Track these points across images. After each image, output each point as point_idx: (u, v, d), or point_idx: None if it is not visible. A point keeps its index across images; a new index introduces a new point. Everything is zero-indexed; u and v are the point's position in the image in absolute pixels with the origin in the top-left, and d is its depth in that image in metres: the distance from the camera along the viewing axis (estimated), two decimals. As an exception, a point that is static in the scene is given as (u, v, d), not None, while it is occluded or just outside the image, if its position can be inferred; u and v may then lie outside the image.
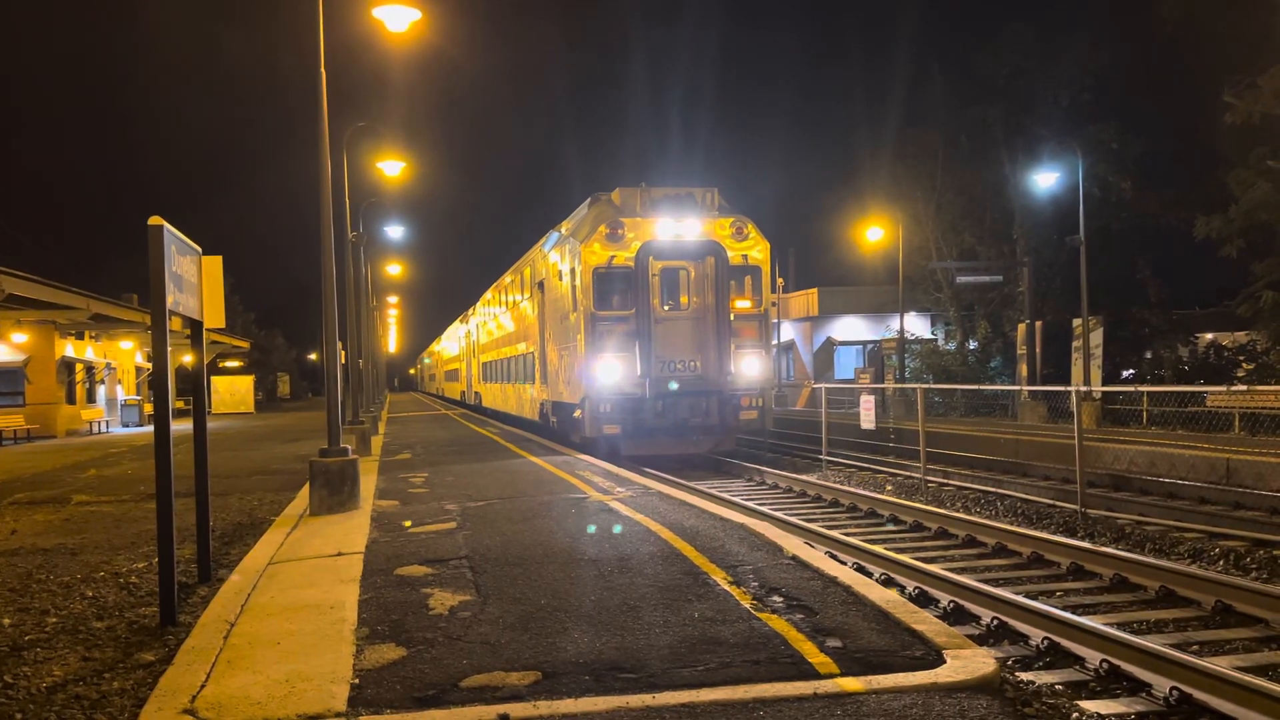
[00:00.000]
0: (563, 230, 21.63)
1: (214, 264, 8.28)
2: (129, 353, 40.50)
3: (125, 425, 38.27)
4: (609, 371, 18.38)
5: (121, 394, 39.87)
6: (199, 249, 8.03)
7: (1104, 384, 26.52)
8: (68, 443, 29.19)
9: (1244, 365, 28.49)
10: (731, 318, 18.89)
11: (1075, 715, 5.82)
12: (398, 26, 13.79)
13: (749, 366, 19.03)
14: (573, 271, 19.30)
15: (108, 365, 37.85)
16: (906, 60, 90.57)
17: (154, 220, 6.75)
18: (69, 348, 33.15)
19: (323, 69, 11.81)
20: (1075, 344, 27.75)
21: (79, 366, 34.50)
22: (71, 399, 33.92)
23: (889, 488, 16.23)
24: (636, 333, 18.40)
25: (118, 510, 13.07)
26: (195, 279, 7.89)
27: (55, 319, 28.63)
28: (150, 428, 35.58)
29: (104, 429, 35.68)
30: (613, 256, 18.59)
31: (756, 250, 19.42)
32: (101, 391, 37.52)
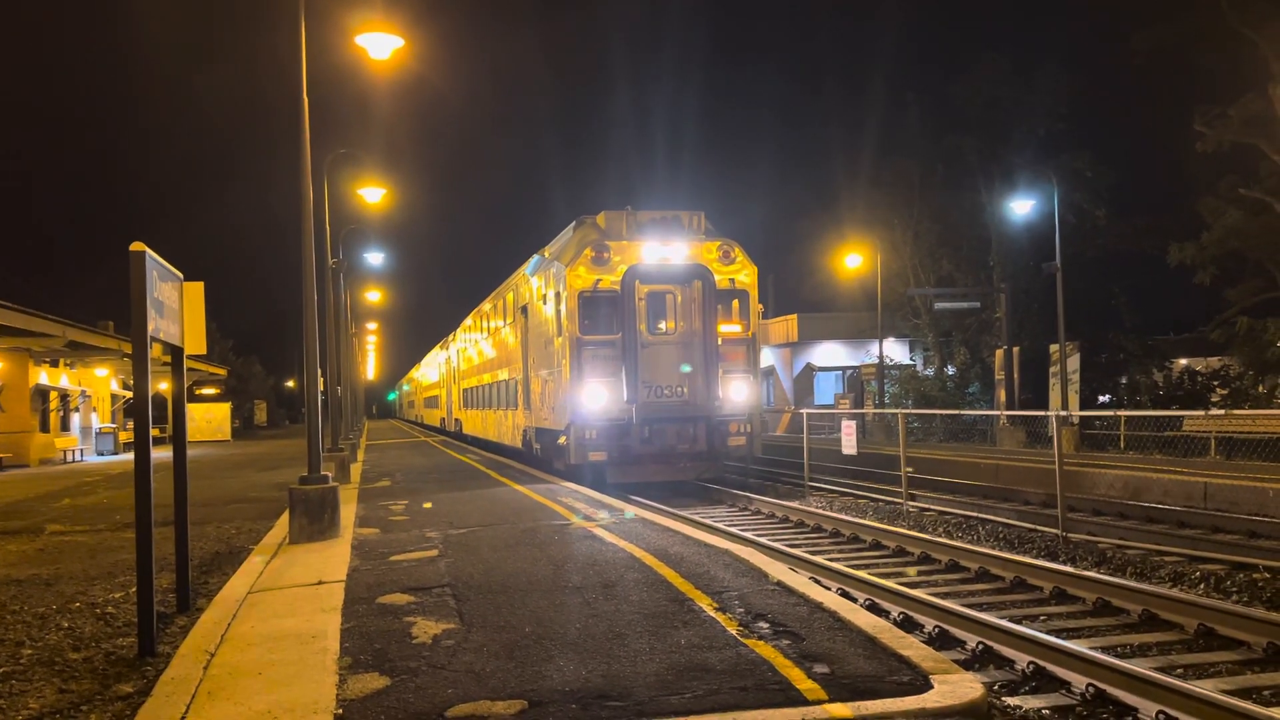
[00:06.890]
0: (546, 254, 21.51)
1: (195, 290, 8.24)
2: (104, 380, 40.08)
3: (100, 454, 37.79)
4: (594, 397, 18.10)
5: (96, 422, 39.40)
6: (180, 275, 7.99)
7: (1081, 409, 26.72)
8: (41, 471, 28.78)
9: (1218, 390, 28.83)
10: (719, 342, 18.65)
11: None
12: (380, 54, 13.84)
13: (737, 391, 18.74)
14: (557, 295, 19.15)
15: (82, 393, 37.42)
16: (883, 90, 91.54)
17: (136, 246, 6.72)
18: (43, 375, 32.75)
19: (305, 96, 11.82)
20: (1053, 369, 27.98)
21: (53, 394, 34.09)
22: (45, 427, 33.48)
23: (870, 513, 16.25)
24: (622, 358, 18.11)
25: (93, 540, 12.88)
26: (176, 305, 7.84)
27: (30, 346, 28.30)
28: (125, 456, 35.51)
29: (78, 457, 35.20)
30: (598, 280, 18.33)
31: (744, 274, 19.24)
32: (76, 419, 37.07)
